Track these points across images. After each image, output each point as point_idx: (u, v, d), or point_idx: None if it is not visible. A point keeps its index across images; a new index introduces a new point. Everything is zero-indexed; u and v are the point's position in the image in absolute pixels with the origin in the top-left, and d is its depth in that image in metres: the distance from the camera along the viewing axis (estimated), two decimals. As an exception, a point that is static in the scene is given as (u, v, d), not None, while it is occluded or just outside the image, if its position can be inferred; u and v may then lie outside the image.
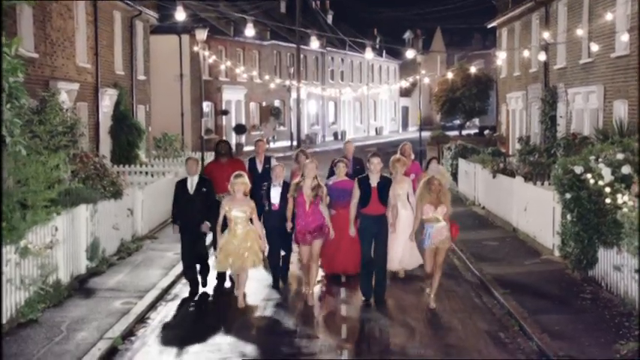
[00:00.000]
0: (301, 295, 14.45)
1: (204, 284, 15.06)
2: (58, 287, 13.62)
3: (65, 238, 14.33)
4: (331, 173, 16.13)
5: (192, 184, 14.60)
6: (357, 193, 13.77)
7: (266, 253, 14.59)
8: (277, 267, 15.36)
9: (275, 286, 15.22)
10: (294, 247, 15.37)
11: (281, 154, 53.16)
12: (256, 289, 14.93)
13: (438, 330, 12.29)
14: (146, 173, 27.01)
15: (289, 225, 14.25)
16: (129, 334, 11.94)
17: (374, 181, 13.72)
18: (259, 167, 17.01)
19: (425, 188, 13.35)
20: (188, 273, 14.77)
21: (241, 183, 13.57)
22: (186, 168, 14.81)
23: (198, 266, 14.90)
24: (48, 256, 13.33)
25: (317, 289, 14.74)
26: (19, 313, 12.06)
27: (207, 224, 14.40)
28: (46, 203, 12.78)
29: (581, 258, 14.41)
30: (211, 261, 15.20)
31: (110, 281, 15.10)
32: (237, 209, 13.52)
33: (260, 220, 14.38)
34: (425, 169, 17.36)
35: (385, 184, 13.78)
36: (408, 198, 15.53)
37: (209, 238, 15.69)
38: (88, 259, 15.64)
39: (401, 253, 15.50)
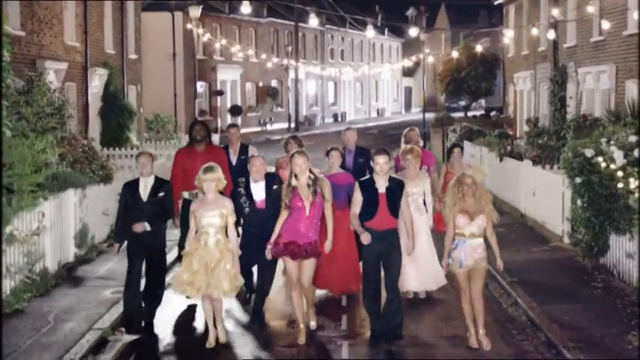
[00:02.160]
0: (290, 337, 11.55)
1: (150, 318, 11.98)
2: (45, 276, 13.61)
3: (52, 225, 14.30)
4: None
5: (145, 187, 11.75)
6: (358, 200, 10.93)
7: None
8: (258, 293, 12.15)
9: (256, 320, 12.05)
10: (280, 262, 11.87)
11: (278, 137, 53.34)
12: (229, 324, 11.98)
13: (440, 319, 12.26)
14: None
15: (269, 248, 11.13)
16: (119, 324, 11.88)
17: (381, 185, 10.87)
18: (233, 159, 14.52)
19: (456, 191, 10.73)
20: (130, 307, 11.78)
21: (212, 179, 10.81)
22: (138, 166, 11.96)
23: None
24: (34, 243, 13.31)
25: (312, 322, 11.78)
26: (4, 302, 12.03)
27: (144, 224, 11.52)
28: (32, 188, 12.72)
29: (591, 245, 14.39)
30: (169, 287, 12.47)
31: (100, 269, 15.09)
32: (208, 214, 10.80)
33: (238, 228, 11.83)
34: (446, 161, 15.42)
35: (396, 188, 10.93)
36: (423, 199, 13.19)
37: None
38: (76, 247, 15.61)
39: (422, 270, 12.95)
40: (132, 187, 11.84)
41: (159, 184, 11.84)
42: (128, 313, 11.73)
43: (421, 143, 15.55)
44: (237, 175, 12.99)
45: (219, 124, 52.58)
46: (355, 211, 10.98)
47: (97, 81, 30.00)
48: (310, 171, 11.13)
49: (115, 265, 15.38)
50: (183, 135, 33.66)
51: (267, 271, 11.92)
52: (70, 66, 26.70)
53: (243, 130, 59.00)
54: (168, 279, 12.70)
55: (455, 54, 49.40)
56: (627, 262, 13.34)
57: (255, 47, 58.88)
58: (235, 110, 55.00)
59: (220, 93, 54.25)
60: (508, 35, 36.51)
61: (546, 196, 18.36)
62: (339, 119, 73.32)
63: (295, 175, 11.01)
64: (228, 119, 54.20)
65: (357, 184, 11.16)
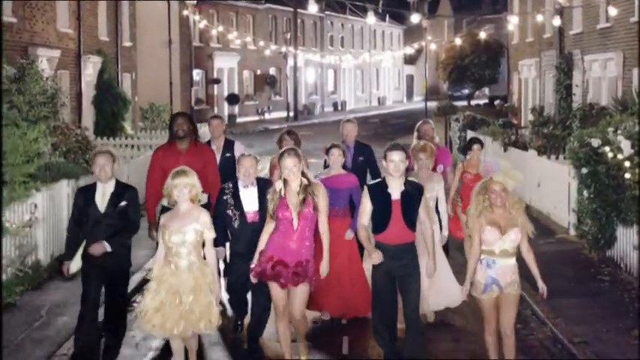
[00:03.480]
0: None
1: (112, 357, 10.11)
2: (38, 269, 13.59)
3: (45, 216, 14.26)
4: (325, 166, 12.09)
5: (103, 195, 9.70)
6: (366, 209, 9.24)
7: (221, 302, 9.77)
8: (253, 322, 10.14)
9: (251, 355, 10.12)
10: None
11: (277, 126, 53.37)
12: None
13: (442, 311, 12.26)
14: (132, 146, 26.91)
15: (253, 267, 9.37)
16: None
17: (395, 189, 9.17)
18: (216, 157, 12.39)
19: (481, 199, 9.00)
20: (84, 343, 9.81)
21: (184, 184, 8.91)
22: (94, 168, 9.78)
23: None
24: (26, 235, 13.29)
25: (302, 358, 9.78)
26: (-4, 296, 12.01)
27: (103, 244, 9.54)
28: (24, 179, 12.71)
29: (598, 237, 14.37)
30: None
31: (94, 262, 15.00)
32: (180, 230, 8.91)
33: (223, 248, 10.37)
34: (464, 159, 13.78)
35: (414, 193, 9.23)
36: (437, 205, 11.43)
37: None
38: (69, 239, 15.54)
39: (435, 286, 10.91)
40: (87, 194, 9.78)
41: (120, 191, 9.77)
42: (81, 352, 9.78)
43: (437, 139, 13.50)
44: (220, 176, 11.57)
45: (216, 113, 52.60)
46: (363, 222, 9.24)
47: (90, 69, 29.99)
48: (303, 174, 9.31)
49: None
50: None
51: (262, 297, 9.80)
52: (63, 53, 26.69)
53: (240, 120, 59.04)
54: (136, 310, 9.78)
55: (458, 41, 49.38)
56: (634, 255, 13.32)
57: (253, 34, 58.79)
58: (232, 99, 54.96)
59: (217, 81, 54.21)
60: (512, 22, 36.45)
61: (552, 187, 18.35)
62: (339, 108, 73.27)
63: (284, 180, 9.27)
64: (226, 108, 54.23)
65: (365, 190, 9.39)
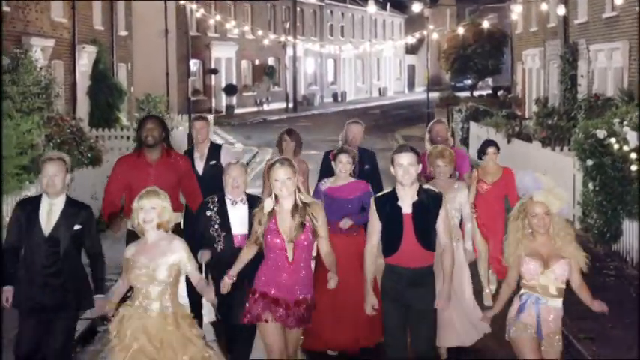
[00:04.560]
0: None
1: None
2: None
3: (39, 209, 14.22)
4: (326, 170, 10.68)
5: (49, 213, 8.02)
6: (375, 227, 7.94)
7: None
8: None
9: None
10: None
11: (275, 117, 53.31)
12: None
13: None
14: (127, 138, 26.89)
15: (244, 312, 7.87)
16: (110, 314, 11.66)
17: (407, 200, 7.83)
18: (199, 166, 10.98)
19: (520, 225, 7.63)
20: None
21: (152, 206, 7.43)
22: (42, 178, 8.15)
23: None
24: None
25: None
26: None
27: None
28: (17, 171, 12.73)
29: (604, 231, 14.39)
30: None
31: (89, 256, 14.92)
32: (149, 266, 7.38)
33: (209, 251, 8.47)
34: (477, 166, 12.26)
35: (430, 205, 7.87)
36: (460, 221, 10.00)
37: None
38: (64, 232, 15.50)
39: (461, 317, 9.72)
40: (29, 210, 8.03)
41: (72, 210, 8.07)
42: None
43: (451, 141, 12.06)
44: (205, 190, 9.94)
45: (213, 104, 52.57)
46: (372, 242, 7.98)
47: (85, 59, 29.96)
48: (298, 189, 7.74)
49: (106, 250, 15.32)
50: (175, 115, 33.64)
51: (245, 332, 8.38)
52: (57, 43, 26.66)
53: (238, 111, 58.79)
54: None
55: (460, 30, 49.29)
56: (641, 249, 13.35)
57: (252, 23, 58.71)
58: (230, 89, 54.91)
59: (215, 71, 54.13)
60: (516, 11, 36.38)
61: (556, 180, 18.29)
62: (339, 99, 73.17)
63: (275, 197, 7.72)
64: (223, 99, 54.18)
65: (372, 202, 8.06)
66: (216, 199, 8.62)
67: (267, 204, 7.67)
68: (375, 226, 7.89)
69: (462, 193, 9.86)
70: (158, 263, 7.34)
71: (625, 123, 13.70)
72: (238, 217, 8.51)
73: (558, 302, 7.57)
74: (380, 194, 8.21)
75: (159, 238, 7.47)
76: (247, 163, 30.03)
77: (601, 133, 14.05)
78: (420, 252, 7.78)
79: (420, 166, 7.89)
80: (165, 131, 10.06)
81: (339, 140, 11.50)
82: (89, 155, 17.45)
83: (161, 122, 10.20)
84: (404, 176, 7.70)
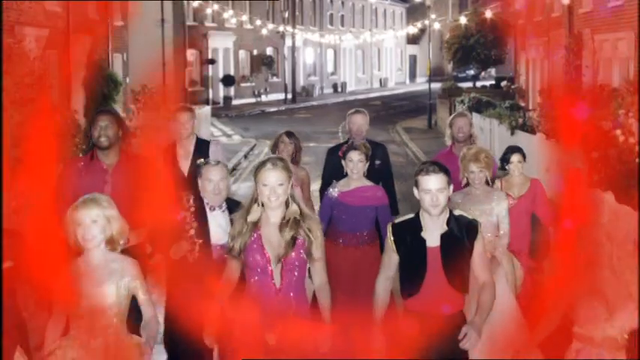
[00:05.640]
0: None
1: None
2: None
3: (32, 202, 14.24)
4: (331, 170, 9.60)
5: None
6: (392, 258, 6.47)
7: None
8: None
9: None
10: None
11: (274, 109, 53.29)
12: None
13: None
14: (123, 130, 26.87)
15: (209, 340, 6.36)
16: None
17: (433, 231, 6.35)
18: (184, 164, 9.49)
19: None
20: None
21: (93, 221, 5.97)
22: None
23: None
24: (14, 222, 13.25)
25: None
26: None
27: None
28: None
29: (608, 224, 14.37)
30: None
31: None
32: (93, 292, 5.97)
33: None
34: (501, 175, 9.88)
35: (462, 239, 6.35)
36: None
37: None
38: (58, 226, 15.52)
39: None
40: None
41: None
42: None
43: (476, 137, 10.82)
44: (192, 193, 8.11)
45: (210, 95, 52.55)
46: (387, 274, 6.56)
47: (80, 49, 29.91)
48: (292, 199, 6.21)
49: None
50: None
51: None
52: (51, 33, 26.61)
53: (236, 102, 58.74)
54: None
55: (463, 20, 49.29)
56: (647, 243, 13.33)
57: (250, 13, 58.66)
58: (228, 80, 54.91)
59: (212, 62, 54.11)
60: (520, 0, 36.38)
61: (561, 172, 18.33)
62: (339, 90, 73.15)
63: (262, 205, 6.20)
64: (221, 90, 54.16)
65: (388, 230, 6.50)
66: (192, 202, 7.38)
67: (254, 211, 6.19)
68: (392, 257, 6.46)
69: (501, 205, 8.57)
70: (105, 288, 5.98)
71: (631, 114, 13.70)
72: (218, 226, 7.42)
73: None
74: (399, 220, 6.60)
75: (104, 259, 6.07)
76: (245, 156, 30.07)
77: (606, 125, 14.05)
78: (447, 295, 6.29)
79: (452, 187, 6.42)
80: (123, 129, 8.61)
81: (339, 132, 11.23)
82: (84, 147, 17.44)
83: (118, 118, 8.70)
84: (432, 206, 6.22)
